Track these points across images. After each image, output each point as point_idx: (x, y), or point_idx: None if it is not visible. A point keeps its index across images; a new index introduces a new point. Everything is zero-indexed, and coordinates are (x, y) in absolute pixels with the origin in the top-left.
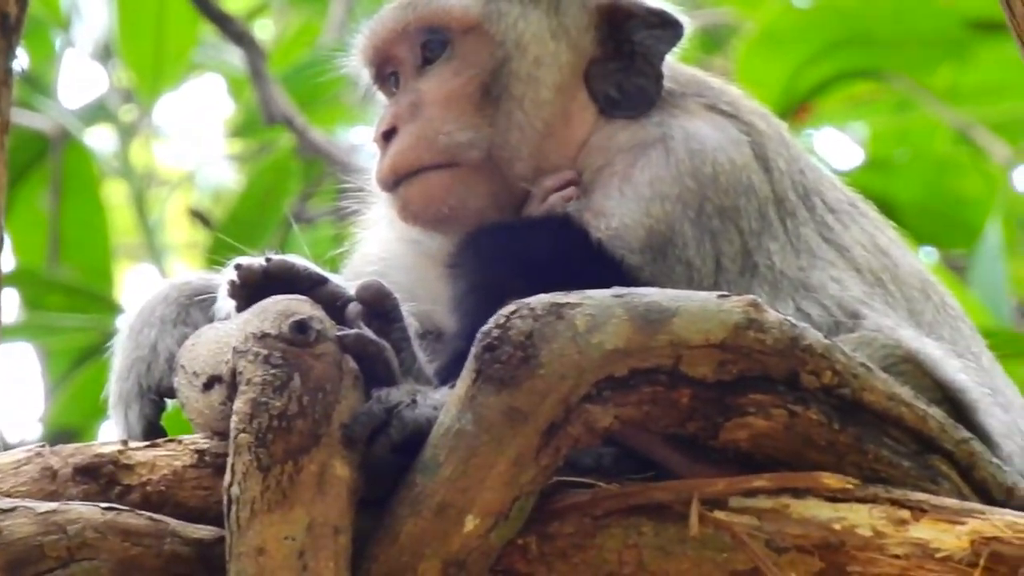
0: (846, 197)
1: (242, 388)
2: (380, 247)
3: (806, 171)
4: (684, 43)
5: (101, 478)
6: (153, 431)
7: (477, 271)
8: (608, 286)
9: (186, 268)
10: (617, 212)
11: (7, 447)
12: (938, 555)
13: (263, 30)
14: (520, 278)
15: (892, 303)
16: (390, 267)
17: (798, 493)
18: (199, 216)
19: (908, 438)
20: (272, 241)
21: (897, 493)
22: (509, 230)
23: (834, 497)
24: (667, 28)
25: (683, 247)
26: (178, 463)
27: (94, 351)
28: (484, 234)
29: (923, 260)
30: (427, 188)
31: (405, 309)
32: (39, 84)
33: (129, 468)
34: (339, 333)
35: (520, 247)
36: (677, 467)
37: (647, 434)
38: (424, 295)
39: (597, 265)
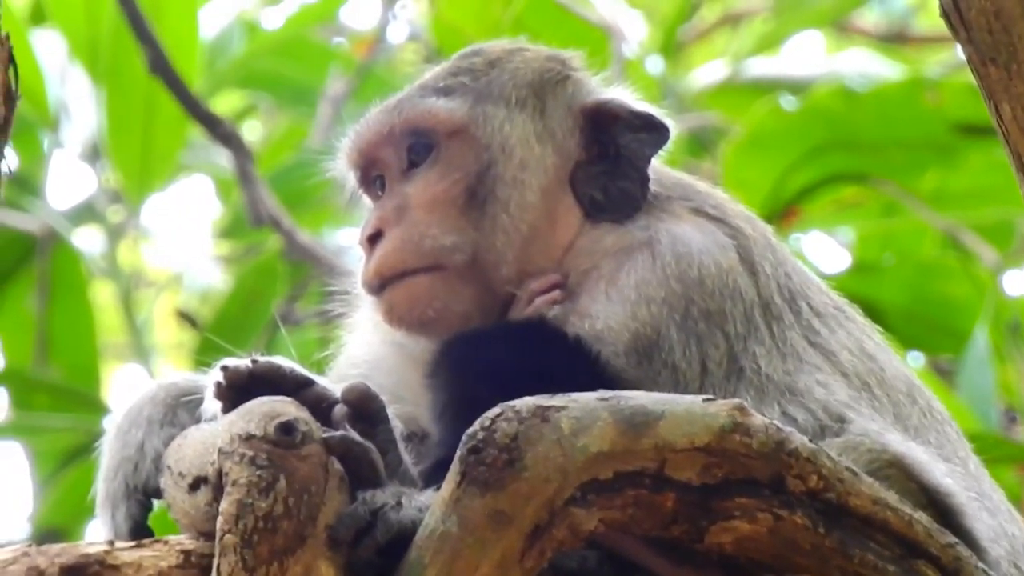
0: (832, 301)
1: (228, 489)
2: (365, 350)
3: (792, 275)
4: (670, 146)
5: None
6: (140, 531)
7: (453, 382)
8: (590, 389)
9: (173, 368)
10: (603, 315)
11: None
12: None
13: (251, 132)
14: (497, 386)
15: (878, 407)
16: (375, 369)
17: None
18: (186, 317)
19: (894, 543)
20: (258, 342)
21: None
22: (484, 338)
23: None
24: (652, 131)
25: (669, 351)
26: (164, 563)
27: (81, 451)
28: (459, 344)
29: (910, 364)
30: (412, 292)
31: (390, 411)
32: (27, 185)
33: (115, 568)
34: (325, 435)
35: (496, 355)
36: (661, 571)
37: (631, 538)
38: (409, 397)
39: (578, 368)
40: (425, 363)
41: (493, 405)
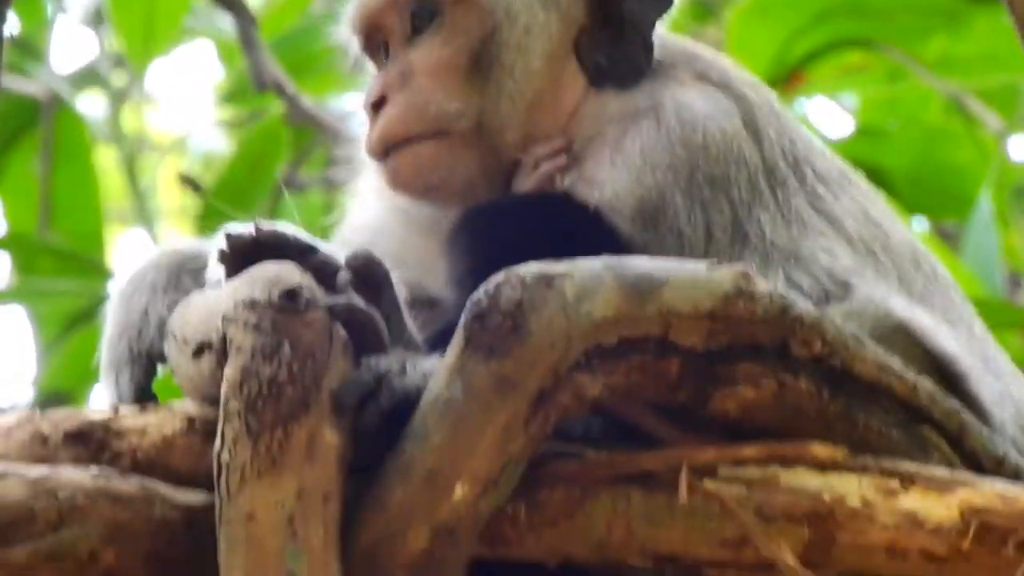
0: (836, 167)
1: (232, 355)
2: (370, 216)
3: (796, 141)
4: (674, 12)
5: (92, 443)
6: (144, 396)
7: (472, 251)
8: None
9: (176, 233)
10: (608, 181)
11: None
12: (927, 525)
13: None
14: (516, 255)
15: (883, 273)
16: (380, 236)
17: (787, 462)
18: (190, 182)
19: (898, 408)
20: (262, 208)
21: (887, 463)
22: (504, 207)
23: (823, 467)
24: None
25: (674, 216)
26: (168, 429)
27: (85, 316)
28: (478, 213)
29: (914, 230)
30: (416, 158)
31: (395, 277)
32: (30, 49)
33: (120, 434)
34: (329, 301)
35: (516, 224)
36: (665, 437)
37: (636, 404)
38: (414, 263)
39: (594, 239)
40: (431, 229)
41: None
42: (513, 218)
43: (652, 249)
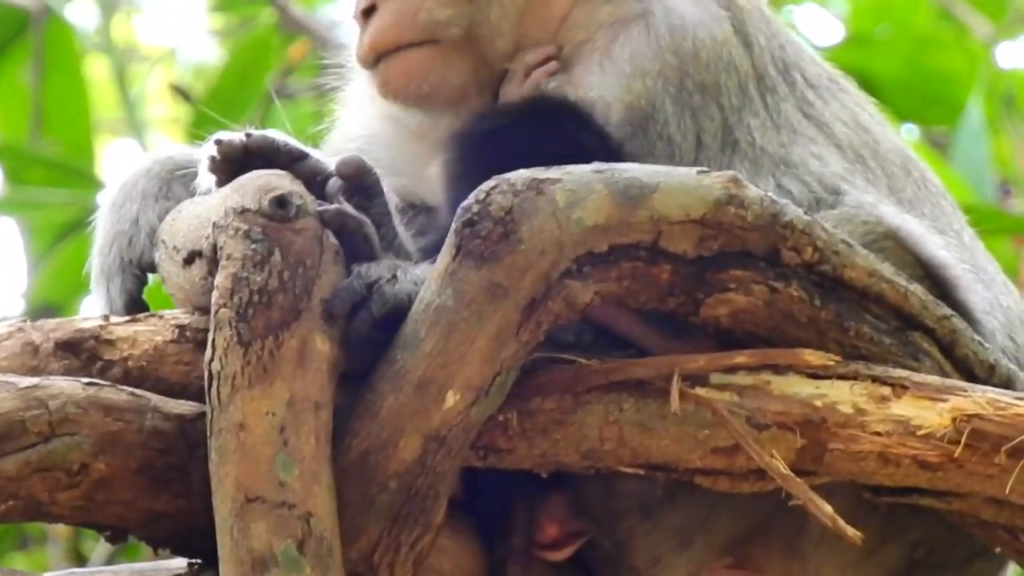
0: (826, 73)
1: (222, 263)
2: (360, 124)
3: (786, 47)
4: None
5: (82, 353)
6: (135, 305)
7: (467, 159)
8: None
9: (167, 143)
10: (597, 86)
11: None
12: (919, 432)
13: None
14: (510, 164)
15: (873, 180)
16: (371, 143)
17: (779, 370)
18: (180, 91)
19: (889, 315)
20: (253, 116)
21: (878, 370)
22: (498, 117)
23: (815, 374)
24: None
25: (664, 123)
26: (159, 338)
27: (76, 226)
28: (474, 122)
29: (904, 137)
30: (407, 66)
31: (385, 185)
32: None
33: (110, 343)
34: (319, 208)
35: (510, 133)
36: (654, 346)
37: (626, 313)
38: (405, 171)
39: (584, 146)
40: (421, 136)
41: None
42: (504, 126)
43: (642, 156)
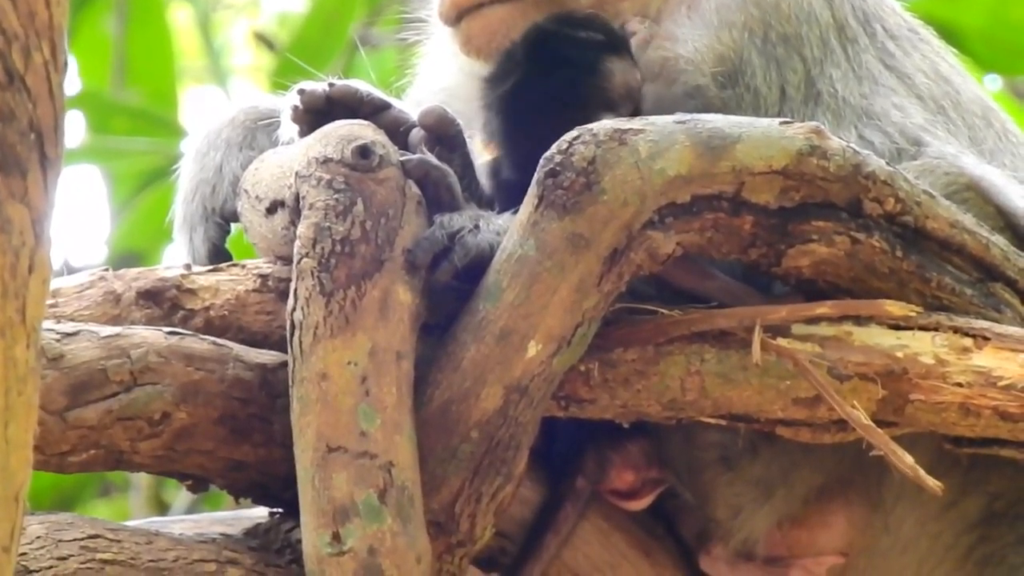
0: (907, 23)
1: (305, 213)
2: (442, 77)
3: None
4: None
5: (164, 303)
6: (218, 254)
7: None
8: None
9: (250, 92)
10: (689, 38)
11: (71, 271)
12: (1000, 383)
13: None
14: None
15: (954, 130)
16: (452, 97)
17: (861, 321)
18: (263, 39)
19: (971, 266)
20: (336, 65)
21: (960, 321)
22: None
23: (897, 325)
24: None
25: (751, 75)
26: (241, 288)
27: (159, 174)
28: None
29: (986, 87)
30: (489, 22)
31: (467, 136)
32: None
33: (192, 292)
34: (402, 158)
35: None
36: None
37: (698, 275)
38: None
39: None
40: None
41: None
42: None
43: (730, 107)
